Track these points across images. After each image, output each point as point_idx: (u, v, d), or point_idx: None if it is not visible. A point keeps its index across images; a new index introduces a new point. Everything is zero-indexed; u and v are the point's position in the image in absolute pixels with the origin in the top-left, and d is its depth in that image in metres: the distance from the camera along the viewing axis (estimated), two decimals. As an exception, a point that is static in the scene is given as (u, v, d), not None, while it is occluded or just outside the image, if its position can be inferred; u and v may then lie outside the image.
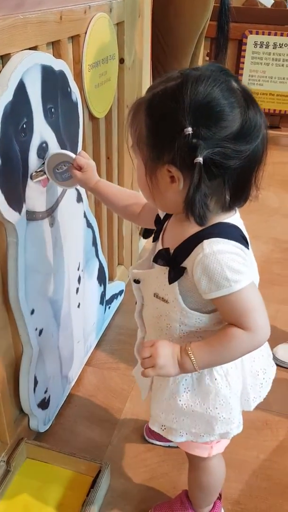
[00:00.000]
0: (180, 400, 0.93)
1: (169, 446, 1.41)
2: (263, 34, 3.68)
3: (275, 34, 3.67)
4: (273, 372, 1.03)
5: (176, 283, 0.86)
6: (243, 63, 3.84)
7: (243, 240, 0.85)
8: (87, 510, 1.18)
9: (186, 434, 0.98)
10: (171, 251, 0.87)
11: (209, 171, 0.76)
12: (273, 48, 3.72)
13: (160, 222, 0.97)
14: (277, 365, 1.69)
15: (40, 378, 1.34)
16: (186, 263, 0.84)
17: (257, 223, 2.68)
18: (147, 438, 1.44)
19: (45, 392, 1.39)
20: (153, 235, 0.98)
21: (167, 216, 0.95)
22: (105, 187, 1.14)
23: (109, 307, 1.85)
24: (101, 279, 1.70)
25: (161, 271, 0.88)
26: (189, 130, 0.74)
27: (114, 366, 1.71)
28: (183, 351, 0.86)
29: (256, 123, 0.77)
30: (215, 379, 0.91)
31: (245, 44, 3.77)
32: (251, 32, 3.71)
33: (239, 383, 0.95)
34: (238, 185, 0.82)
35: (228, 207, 0.85)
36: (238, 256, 0.81)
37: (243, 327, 0.83)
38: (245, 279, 0.81)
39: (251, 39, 3.73)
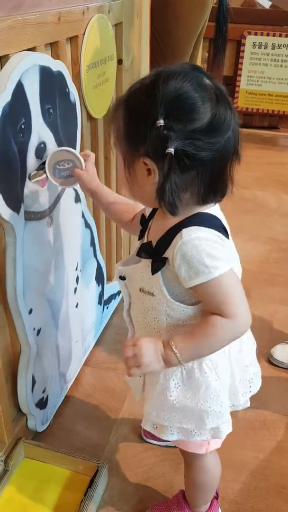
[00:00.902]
0: (171, 396, 0.94)
1: (166, 446, 1.42)
2: (261, 35, 3.69)
3: (274, 35, 3.68)
4: (259, 368, 1.05)
5: (159, 274, 0.88)
6: (242, 63, 3.85)
7: (222, 230, 0.87)
8: (84, 510, 1.19)
9: (178, 432, 0.99)
10: (154, 244, 0.89)
11: (181, 163, 0.79)
12: (272, 48, 3.73)
13: (145, 221, 0.99)
14: (275, 365, 1.72)
15: (38, 378, 1.34)
16: (167, 253, 0.86)
17: (255, 223, 2.69)
18: (144, 438, 1.45)
19: (43, 391, 1.39)
20: (139, 234, 1.00)
21: (152, 215, 0.97)
22: (105, 191, 1.16)
23: (107, 307, 1.85)
24: (99, 279, 1.70)
25: (146, 265, 0.90)
26: (161, 122, 0.77)
27: (112, 366, 1.71)
28: (167, 346, 0.87)
29: (226, 117, 0.80)
30: (205, 373, 0.93)
31: (244, 44, 3.78)
32: (249, 33, 3.72)
33: (228, 376, 0.96)
34: (212, 179, 0.83)
35: (204, 201, 0.87)
36: (216, 243, 0.83)
37: (224, 314, 0.85)
38: (223, 266, 0.83)
39: (249, 39, 3.74)
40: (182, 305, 0.90)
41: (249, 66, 3.84)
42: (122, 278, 0.98)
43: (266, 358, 1.74)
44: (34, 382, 1.32)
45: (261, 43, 3.73)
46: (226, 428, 0.99)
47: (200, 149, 0.78)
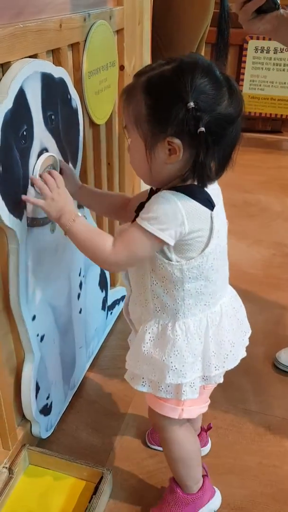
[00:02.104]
0: (144, 347, 1.04)
1: (171, 452, 1.41)
2: (263, 39, 3.70)
3: (276, 39, 3.68)
4: (243, 353, 1.11)
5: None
6: (244, 68, 3.85)
7: (207, 202, 0.94)
8: (89, 517, 1.18)
9: (148, 385, 1.07)
10: None
11: (208, 141, 0.87)
12: (274, 53, 3.73)
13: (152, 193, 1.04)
14: (280, 369, 1.72)
15: (42, 384, 1.34)
16: None
17: (259, 227, 2.69)
18: (149, 444, 1.44)
19: (47, 398, 1.39)
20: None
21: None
22: (90, 189, 1.24)
23: (111, 313, 1.85)
24: (103, 284, 1.70)
25: None
26: (192, 104, 0.84)
27: (116, 372, 1.70)
28: (73, 213, 1.01)
29: (239, 100, 0.90)
30: (175, 331, 1.01)
31: (246, 49, 3.78)
32: (251, 38, 3.73)
33: (199, 344, 1.03)
34: (224, 156, 0.93)
35: (213, 176, 0.94)
36: (174, 211, 0.90)
37: (113, 243, 0.96)
38: (152, 227, 0.90)
39: (251, 44, 3.75)
40: (160, 257, 0.96)
41: (252, 70, 3.84)
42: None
43: (271, 362, 1.74)
44: (38, 388, 1.32)
45: (263, 47, 3.74)
46: (190, 392, 1.05)
47: (222, 128, 0.88)
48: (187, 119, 0.85)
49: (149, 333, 1.04)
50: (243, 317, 1.13)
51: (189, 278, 0.97)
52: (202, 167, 0.89)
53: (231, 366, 1.07)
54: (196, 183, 0.92)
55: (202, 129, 0.85)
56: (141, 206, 0.98)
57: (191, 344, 1.02)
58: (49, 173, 1.09)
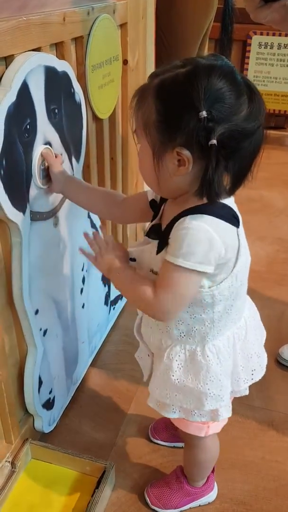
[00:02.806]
0: (173, 376, 0.98)
1: (174, 447, 1.41)
2: (267, 34, 3.68)
3: (280, 35, 3.67)
4: (265, 360, 1.07)
5: (163, 254, 0.90)
6: (248, 63, 3.83)
7: (232, 219, 0.88)
8: (92, 511, 1.18)
9: (179, 411, 1.03)
10: (163, 227, 0.91)
11: (220, 154, 0.80)
12: (278, 48, 3.72)
13: (156, 205, 1.00)
14: (283, 365, 1.71)
15: (45, 379, 1.34)
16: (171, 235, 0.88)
17: (263, 223, 2.68)
18: (152, 438, 1.44)
19: (50, 392, 1.39)
20: (151, 218, 1.01)
21: (165, 200, 0.98)
22: (78, 182, 1.19)
23: (113, 308, 1.85)
24: (106, 280, 1.70)
25: (154, 246, 0.93)
26: (204, 113, 0.77)
27: (119, 367, 1.71)
28: (120, 266, 0.97)
29: (260, 110, 0.82)
30: (207, 356, 0.96)
31: (250, 45, 3.76)
32: (255, 33, 3.71)
33: (230, 362, 0.99)
34: (241, 169, 0.85)
35: (229, 191, 0.88)
36: (209, 241, 0.83)
37: (154, 290, 0.90)
38: (192, 264, 0.84)
39: (255, 40, 3.73)
40: None
41: (255, 66, 3.82)
42: (133, 259, 1.00)
43: (274, 358, 1.73)
44: (40, 382, 1.32)
45: (267, 43, 3.72)
46: (225, 412, 1.03)
47: (237, 140, 0.80)
48: (198, 129, 0.78)
49: (176, 360, 0.98)
50: (259, 322, 1.10)
51: (220, 300, 0.92)
52: (209, 183, 0.81)
53: (259, 377, 1.05)
54: (205, 199, 0.85)
55: (214, 141, 0.78)
56: (155, 229, 0.94)
57: (224, 366, 0.98)
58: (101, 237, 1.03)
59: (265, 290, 2.10)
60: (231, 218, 0.88)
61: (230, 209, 0.89)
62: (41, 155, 1.12)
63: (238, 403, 1.56)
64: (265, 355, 1.08)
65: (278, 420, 1.52)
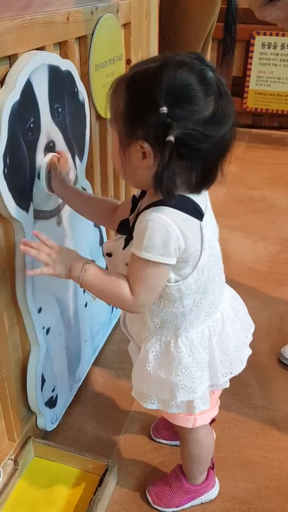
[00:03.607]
0: (149, 366, 1.01)
1: (176, 445, 1.42)
2: (270, 35, 3.69)
3: (283, 35, 3.67)
4: (247, 353, 1.09)
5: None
6: (251, 64, 3.84)
7: (196, 212, 0.89)
8: (94, 509, 1.19)
9: (157, 402, 1.05)
10: (131, 222, 0.93)
11: (179, 151, 0.80)
12: (281, 48, 3.72)
13: (136, 201, 1.01)
14: (286, 364, 1.72)
15: (48, 377, 1.35)
16: None
17: (265, 223, 2.68)
18: (154, 437, 1.45)
19: (53, 390, 1.40)
20: (129, 212, 1.02)
21: (143, 195, 0.99)
22: (78, 191, 1.20)
23: (116, 307, 1.85)
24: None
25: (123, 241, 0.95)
26: (164, 109, 0.78)
27: (121, 365, 1.71)
28: (81, 263, 0.94)
29: (227, 112, 0.82)
30: (179, 348, 0.99)
31: (253, 45, 3.77)
32: (258, 33, 3.71)
33: (205, 355, 1.01)
34: (205, 168, 0.86)
35: (194, 188, 0.89)
36: (168, 233, 0.85)
37: (130, 287, 0.91)
38: (155, 256, 0.86)
39: (258, 40, 3.74)
40: None
41: (258, 66, 3.83)
42: (109, 255, 1.02)
43: (276, 357, 1.74)
44: (43, 381, 1.33)
45: (270, 43, 3.72)
46: (202, 404, 1.04)
47: (198, 140, 0.80)
48: (156, 125, 0.79)
49: (152, 351, 1.01)
50: (244, 315, 1.11)
51: (188, 294, 0.95)
52: (160, 178, 0.81)
53: (239, 371, 1.06)
54: (165, 196, 0.84)
55: (171, 138, 0.78)
56: (124, 224, 0.96)
57: (197, 359, 1.00)
58: (36, 235, 0.99)
59: (267, 290, 2.10)
60: (194, 211, 0.89)
61: (193, 203, 0.89)
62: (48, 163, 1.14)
63: (240, 402, 1.57)
64: (248, 349, 1.10)
65: (280, 419, 1.53)
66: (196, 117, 0.79)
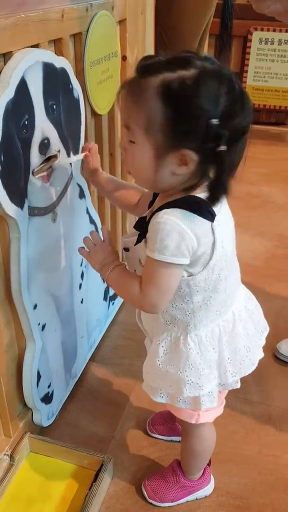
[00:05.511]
0: (158, 360, 1.03)
1: (171, 441, 1.42)
2: (268, 30, 3.68)
3: (280, 31, 3.67)
4: (259, 355, 1.10)
5: (144, 246, 0.94)
6: (248, 59, 3.84)
7: (208, 214, 0.90)
8: (89, 504, 1.19)
9: (166, 396, 1.07)
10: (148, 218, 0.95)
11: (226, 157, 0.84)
12: (278, 44, 3.72)
13: (155, 196, 1.03)
14: (281, 360, 1.72)
15: (44, 373, 1.35)
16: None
17: (262, 219, 2.69)
18: (150, 433, 1.45)
19: (49, 386, 1.40)
20: (147, 206, 1.04)
21: (157, 195, 1.01)
22: (109, 179, 1.23)
23: (112, 303, 1.86)
24: (105, 275, 1.70)
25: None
26: (215, 121, 0.80)
27: (117, 361, 1.72)
28: (113, 264, 1.01)
29: (251, 111, 0.86)
30: (188, 345, 1.00)
31: (250, 40, 3.76)
32: (256, 29, 3.71)
33: (214, 353, 1.02)
34: (232, 171, 0.89)
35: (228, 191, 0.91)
36: (180, 235, 0.87)
37: (140, 286, 0.95)
38: (167, 257, 0.88)
39: (256, 35, 3.73)
40: None
41: (256, 62, 3.82)
42: (126, 249, 1.04)
43: (272, 353, 1.74)
44: (39, 377, 1.33)
45: (268, 39, 3.72)
46: (208, 402, 1.05)
47: (240, 148, 0.86)
48: (207, 136, 0.81)
49: (162, 346, 1.02)
50: (259, 317, 1.11)
51: (197, 291, 0.96)
52: (221, 184, 0.86)
53: (248, 372, 1.07)
54: (206, 197, 0.89)
55: (223, 148, 0.82)
56: (141, 221, 0.97)
57: (205, 356, 1.01)
58: (91, 235, 1.07)
59: (264, 286, 2.10)
60: (206, 213, 0.89)
61: (206, 204, 0.90)
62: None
63: (236, 397, 1.58)
64: (260, 350, 1.09)
65: (275, 414, 1.53)
66: (240, 126, 0.84)
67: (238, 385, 1.08)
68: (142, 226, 0.97)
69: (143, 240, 0.95)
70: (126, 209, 1.22)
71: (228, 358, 1.03)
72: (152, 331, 1.08)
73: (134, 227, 1.00)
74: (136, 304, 1.00)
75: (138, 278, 0.96)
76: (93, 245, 1.05)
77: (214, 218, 0.91)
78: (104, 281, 1.04)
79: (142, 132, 0.86)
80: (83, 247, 1.07)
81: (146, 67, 0.85)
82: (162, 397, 1.07)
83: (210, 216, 0.90)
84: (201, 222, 0.89)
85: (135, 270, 1.05)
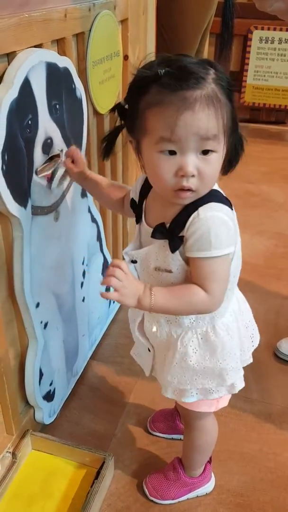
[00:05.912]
0: (191, 361, 1.02)
1: (172, 439, 1.43)
2: (268, 29, 3.69)
3: (280, 30, 3.67)
4: (256, 327, 1.14)
5: (178, 252, 0.93)
6: (249, 58, 3.84)
7: (229, 203, 0.94)
8: (91, 501, 1.20)
9: (197, 393, 1.06)
10: (167, 225, 0.93)
11: None
12: (278, 43, 3.72)
13: (136, 206, 1.03)
14: (281, 358, 1.73)
15: (45, 371, 1.36)
16: (184, 232, 0.91)
17: (262, 218, 2.69)
18: (150, 430, 1.46)
19: (50, 384, 1.41)
20: (135, 218, 1.04)
21: (143, 199, 1.02)
22: (97, 177, 1.21)
23: (113, 302, 1.86)
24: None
25: (161, 245, 0.95)
26: None
27: (118, 360, 1.72)
28: (147, 289, 0.92)
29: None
30: (219, 334, 1.01)
31: (250, 39, 3.77)
32: (256, 28, 3.71)
33: (237, 334, 1.05)
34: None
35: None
36: (226, 224, 0.89)
37: (205, 289, 0.92)
38: (224, 249, 0.89)
39: (256, 34, 3.73)
40: None
41: (256, 61, 3.83)
42: (134, 261, 1.03)
43: (272, 351, 1.75)
44: (41, 374, 1.34)
45: (268, 37, 3.72)
46: (240, 383, 1.08)
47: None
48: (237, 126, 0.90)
49: (190, 346, 1.02)
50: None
51: (228, 279, 0.97)
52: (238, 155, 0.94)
53: (257, 343, 1.12)
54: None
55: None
56: (161, 229, 0.93)
57: (234, 339, 1.03)
58: (112, 265, 0.92)
59: (264, 284, 2.11)
60: (228, 202, 0.93)
61: (225, 196, 0.94)
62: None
63: (236, 395, 1.56)
64: (255, 323, 1.15)
65: (275, 413, 1.54)
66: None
67: (251, 360, 1.13)
68: (164, 233, 0.93)
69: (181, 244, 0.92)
70: (115, 209, 1.21)
71: (243, 335, 1.08)
72: (163, 337, 1.05)
73: (153, 236, 0.95)
74: (204, 310, 0.95)
75: (191, 285, 0.92)
76: (121, 283, 0.90)
77: (232, 206, 0.94)
78: (149, 311, 0.97)
79: (222, 136, 0.86)
80: (107, 289, 0.97)
81: (190, 75, 0.81)
82: (193, 395, 1.07)
83: (230, 204, 0.94)
84: (230, 211, 0.93)
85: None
